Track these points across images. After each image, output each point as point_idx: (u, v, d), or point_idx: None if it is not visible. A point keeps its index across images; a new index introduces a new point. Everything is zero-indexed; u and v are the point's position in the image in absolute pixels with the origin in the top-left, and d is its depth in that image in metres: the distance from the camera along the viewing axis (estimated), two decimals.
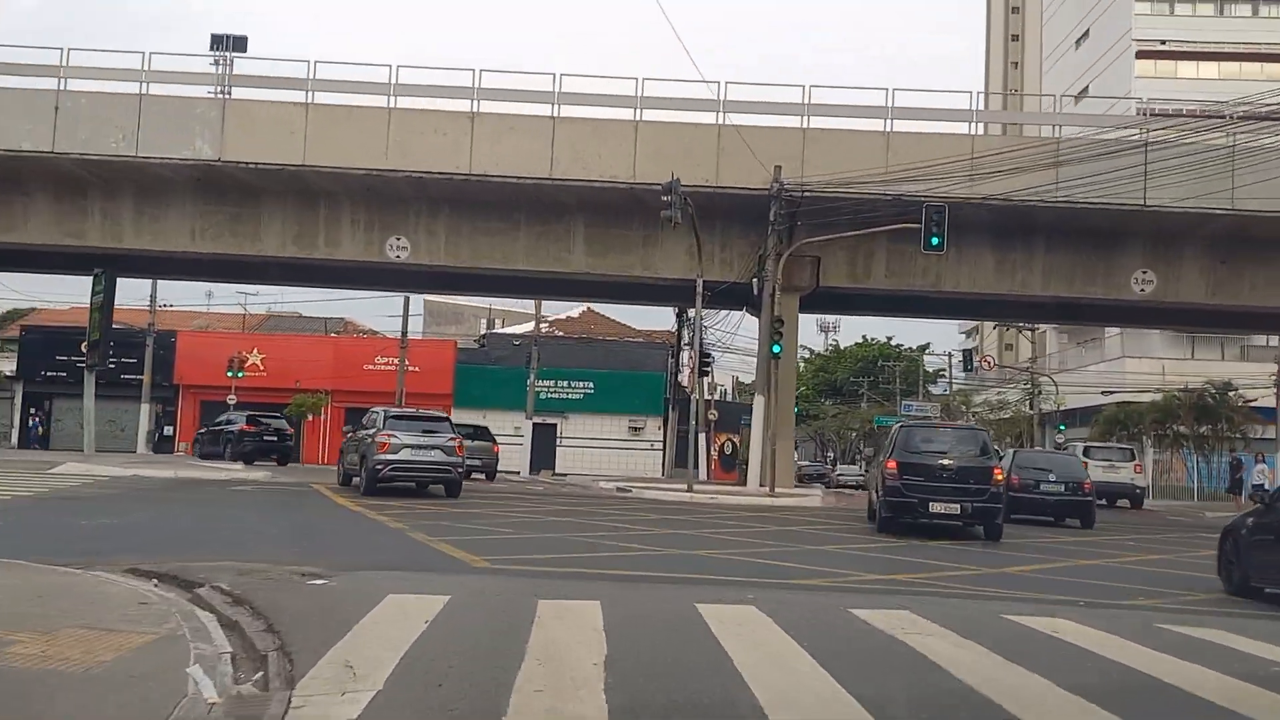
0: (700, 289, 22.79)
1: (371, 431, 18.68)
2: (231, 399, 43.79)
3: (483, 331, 51.68)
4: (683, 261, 25.13)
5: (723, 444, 47.30)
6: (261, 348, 47.41)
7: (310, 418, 45.57)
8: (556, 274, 25.90)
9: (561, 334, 50.39)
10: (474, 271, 25.92)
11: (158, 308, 44.08)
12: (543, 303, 42.80)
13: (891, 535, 14.36)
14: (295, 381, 45.60)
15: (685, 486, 22.34)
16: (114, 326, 50.10)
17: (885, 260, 25.15)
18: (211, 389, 45.32)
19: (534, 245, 25.21)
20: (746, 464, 27.84)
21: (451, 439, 18.55)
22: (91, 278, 24.80)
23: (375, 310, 70.14)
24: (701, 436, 45.71)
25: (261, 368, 47.25)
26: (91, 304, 25.08)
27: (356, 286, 30.18)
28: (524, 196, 24.37)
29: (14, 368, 46.48)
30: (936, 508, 14.21)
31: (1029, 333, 50.15)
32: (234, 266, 27.13)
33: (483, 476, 26.72)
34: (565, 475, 36.06)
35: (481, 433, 29.21)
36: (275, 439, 32.05)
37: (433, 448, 18.11)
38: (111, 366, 24.52)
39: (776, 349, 22.35)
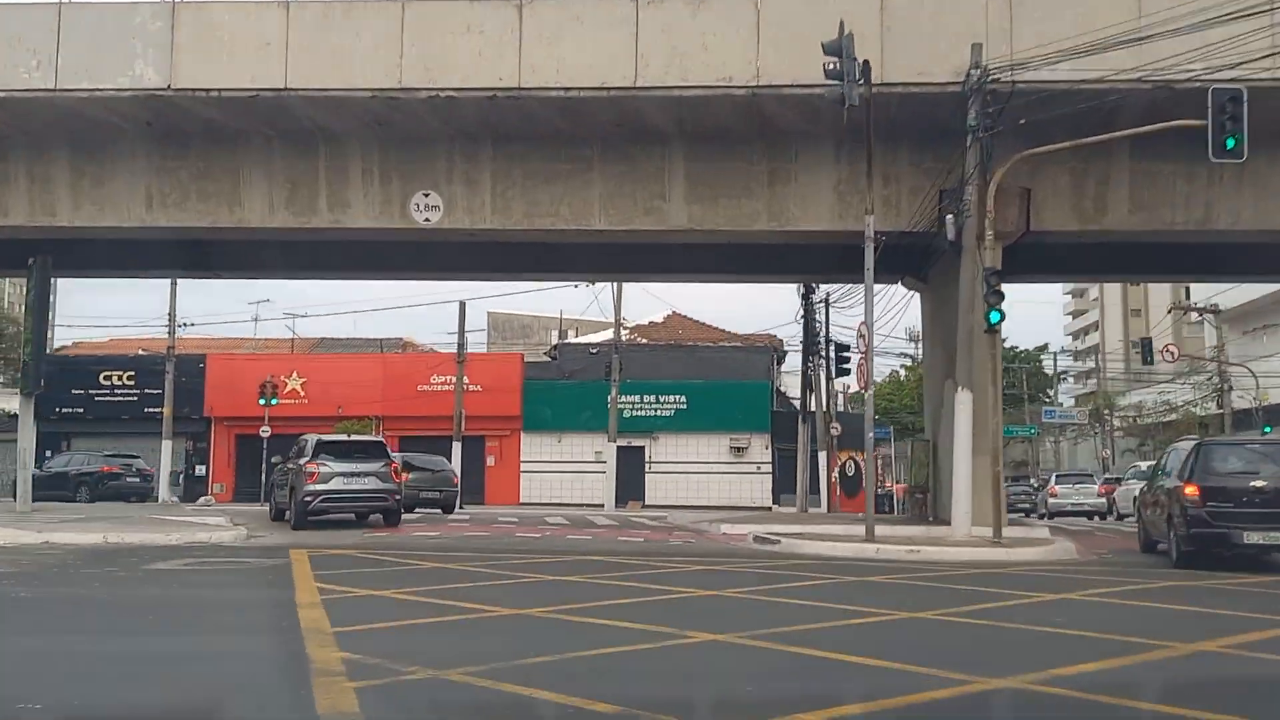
0: (871, 232, 15.11)
1: (302, 461, 17.60)
2: (265, 430, 37.39)
3: (554, 343, 44.65)
4: (828, 205, 17.53)
5: (844, 464, 39.28)
6: (301, 370, 41.04)
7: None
8: (647, 235, 18.50)
9: (645, 341, 43.05)
10: (532, 237, 18.67)
11: (180, 325, 37.83)
12: (628, 292, 35.49)
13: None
14: (337, 408, 39.02)
15: (864, 533, 14.61)
16: (140, 354, 44.32)
17: (1128, 186, 17.16)
18: (247, 420, 39.07)
19: (614, 193, 17.83)
20: (925, 491, 20.03)
21: (387, 465, 18.01)
22: (28, 272, 18.06)
23: (436, 328, 64.39)
24: (821, 456, 38.07)
25: (302, 393, 40.84)
26: (26, 306, 18.40)
27: (376, 272, 22.98)
28: (598, 121, 17.05)
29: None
30: (1253, 538, 12.30)
31: (1210, 316, 41.27)
32: (210, 250, 20.27)
33: (438, 511, 24.46)
34: (664, 514, 28.43)
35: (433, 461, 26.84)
36: (137, 480, 31.89)
37: (367, 475, 17.51)
38: (43, 389, 17.90)
39: (995, 317, 14.53)
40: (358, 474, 17.36)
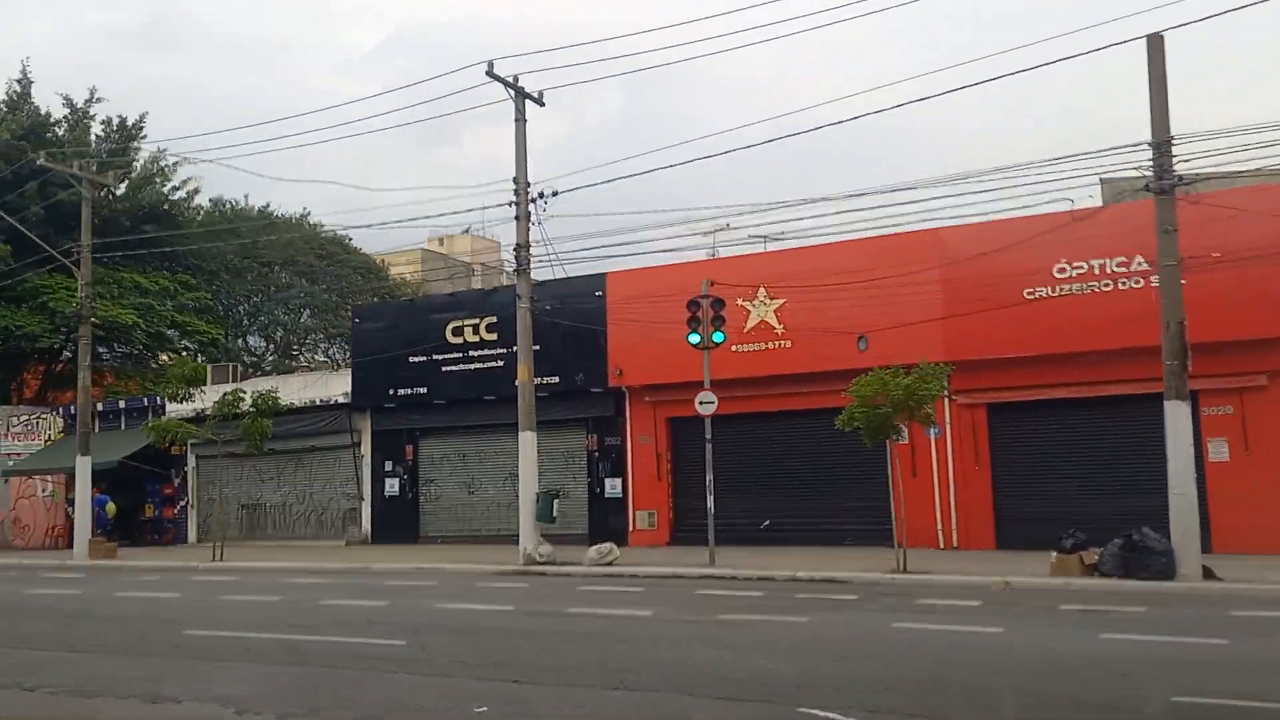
0: None
1: None
2: (705, 400, 17.47)
3: None
4: None
5: None
6: (775, 285, 20.63)
7: (937, 429, 17.82)
8: None
9: None
10: None
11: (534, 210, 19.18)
12: None
13: None
14: (859, 341, 18.10)
15: None
16: (496, 288, 25.98)
17: None
18: (688, 389, 19.71)
19: None
20: None
21: None
22: None
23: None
24: None
25: (777, 326, 20.45)
26: None
27: None
28: None
29: (349, 388, 25.07)
30: None
31: None
32: None
33: None
34: None
35: None
36: None
37: None
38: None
39: None
40: None
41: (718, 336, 17.32)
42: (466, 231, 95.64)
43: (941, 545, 18.82)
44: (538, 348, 19.28)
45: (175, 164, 33.17)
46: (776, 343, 20.13)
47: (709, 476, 17.06)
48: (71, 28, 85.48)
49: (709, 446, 17.06)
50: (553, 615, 10.15)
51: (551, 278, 20.90)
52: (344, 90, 78.06)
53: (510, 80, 18.59)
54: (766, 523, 20.41)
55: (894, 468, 15.65)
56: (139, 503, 27.58)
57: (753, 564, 16.15)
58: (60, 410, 28.28)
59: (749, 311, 20.31)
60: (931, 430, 18.23)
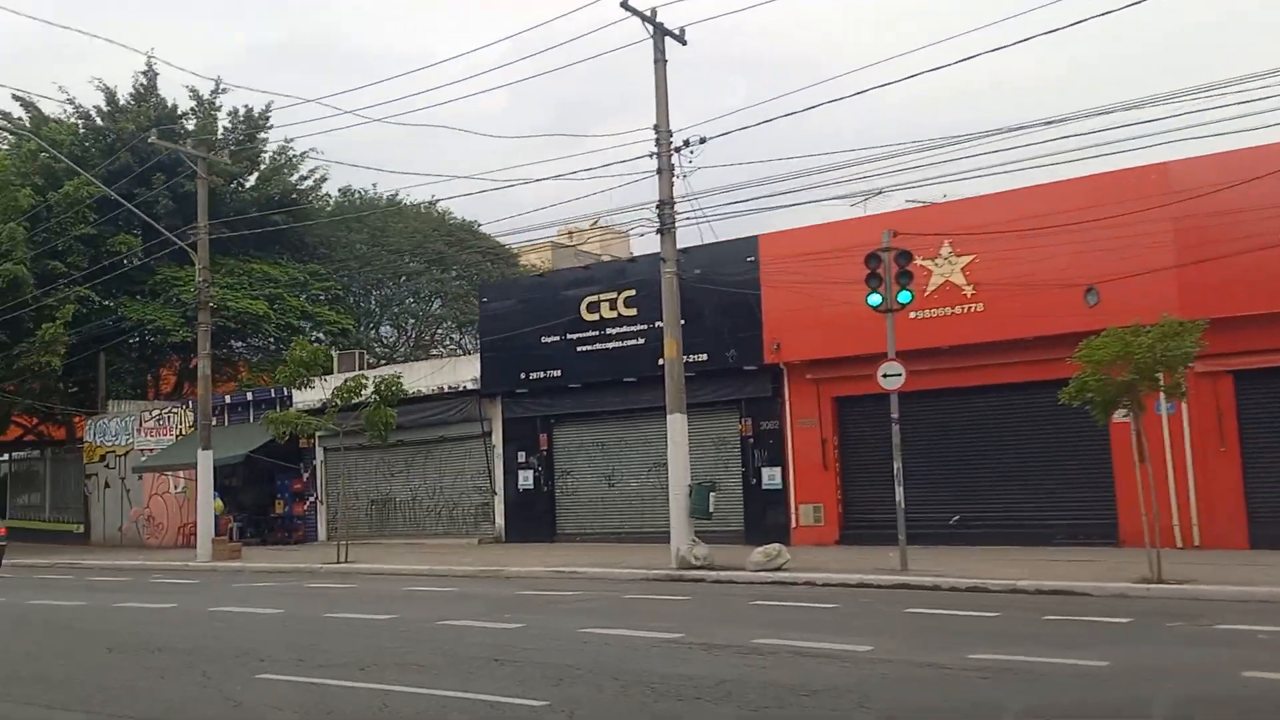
0: None
1: None
2: (890, 373, 14.69)
3: None
4: None
5: None
6: (959, 239, 17.62)
7: (1171, 404, 14.56)
8: None
9: None
10: None
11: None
12: None
13: None
14: (1087, 293, 14.91)
15: None
16: (606, 258, 23.07)
17: None
18: (850, 365, 17.10)
19: None
20: None
21: None
22: None
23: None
24: None
25: (966, 288, 17.38)
26: None
27: None
28: None
29: (477, 374, 23.15)
30: None
31: None
32: None
33: None
34: None
35: None
36: None
37: None
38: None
39: None
40: None
41: (904, 297, 14.47)
42: (595, 224, 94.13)
43: (1179, 544, 15.52)
44: (684, 321, 16.86)
45: (303, 153, 32.24)
46: (965, 306, 17.09)
47: (896, 464, 14.24)
48: (208, 46, 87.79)
49: (895, 427, 14.23)
50: (738, 650, 7.66)
51: (698, 243, 18.51)
52: (468, 90, 77.50)
53: (648, 15, 16.17)
54: (956, 517, 17.47)
55: (1140, 448, 12.48)
56: (270, 498, 26.52)
57: (951, 569, 13.36)
58: (191, 404, 27.47)
59: (930, 271, 17.33)
60: (1164, 405, 14.91)
